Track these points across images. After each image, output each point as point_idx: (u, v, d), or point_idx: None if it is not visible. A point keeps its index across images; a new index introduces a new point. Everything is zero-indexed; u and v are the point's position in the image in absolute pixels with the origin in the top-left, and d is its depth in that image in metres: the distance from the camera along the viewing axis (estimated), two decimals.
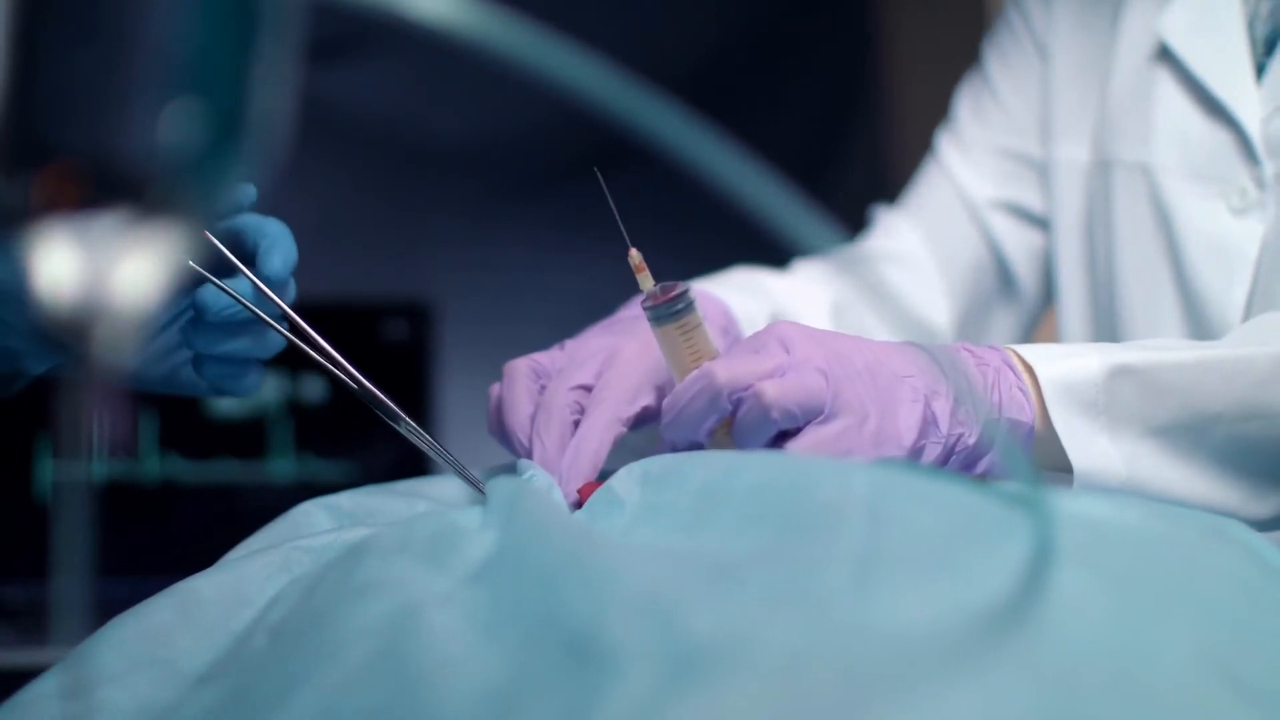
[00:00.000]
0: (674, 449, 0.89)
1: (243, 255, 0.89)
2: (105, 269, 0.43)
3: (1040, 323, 1.35)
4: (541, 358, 0.97)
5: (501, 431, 0.95)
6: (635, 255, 0.88)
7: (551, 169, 2.14)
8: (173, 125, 0.43)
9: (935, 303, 1.28)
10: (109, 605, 0.73)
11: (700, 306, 1.03)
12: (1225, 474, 0.87)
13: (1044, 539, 0.58)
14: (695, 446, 0.89)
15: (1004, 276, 1.28)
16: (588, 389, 0.93)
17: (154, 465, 1.87)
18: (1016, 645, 0.55)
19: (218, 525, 1.82)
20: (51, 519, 0.51)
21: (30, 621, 1.71)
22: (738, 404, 0.84)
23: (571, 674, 0.57)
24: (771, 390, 0.82)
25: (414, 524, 0.84)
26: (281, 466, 1.91)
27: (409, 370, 1.91)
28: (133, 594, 0.78)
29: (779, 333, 0.86)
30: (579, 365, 0.94)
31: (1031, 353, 0.88)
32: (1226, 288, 1.07)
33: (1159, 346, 0.89)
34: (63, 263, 0.43)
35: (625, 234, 0.86)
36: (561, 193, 2.12)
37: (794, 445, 0.82)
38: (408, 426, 0.88)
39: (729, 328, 1.05)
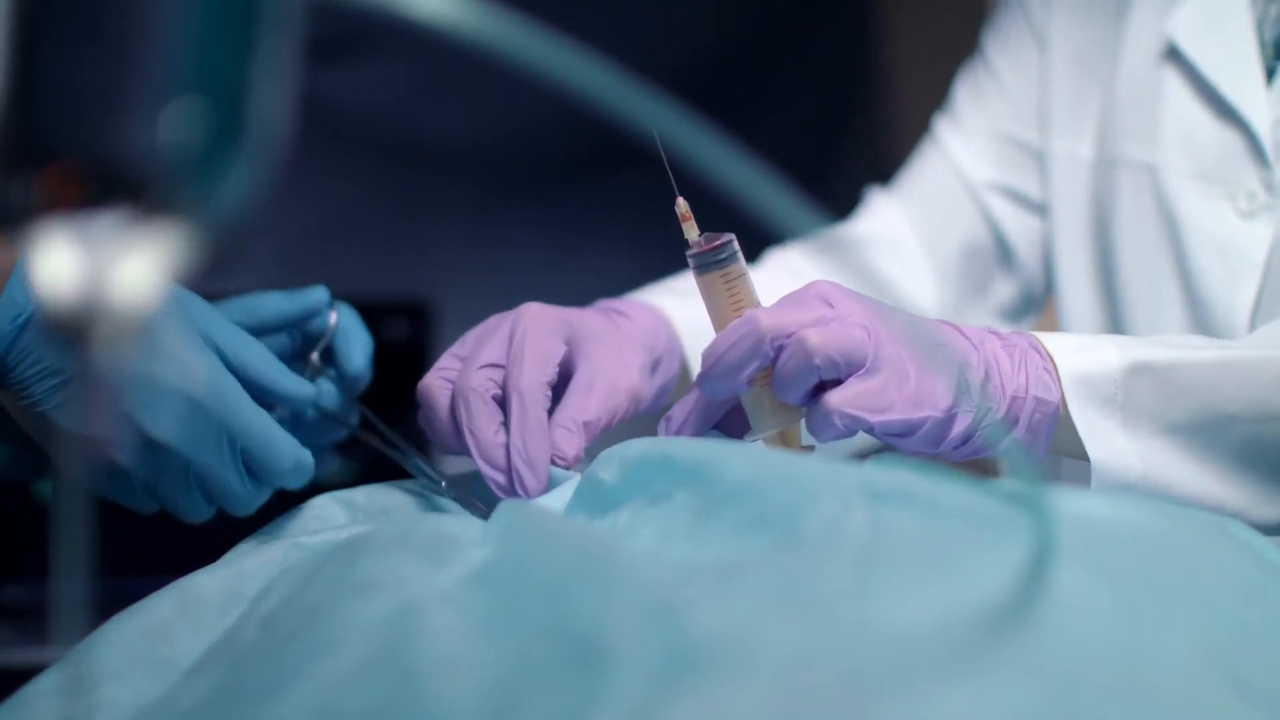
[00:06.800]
0: (710, 400, 0.88)
1: (313, 341, 0.97)
2: (105, 269, 0.43)
3: (1041, 313, 1.35)
4: (446, 362, 0.95)
5: (437, 438, 0.94)
6: (682, 204, 0.88)
7: (551, 169, 2.14)
8: (173, 125, 0.43)
9: (919, 284, 1.28)
10: (109, 605, 0.73)
11: (635, 319, 1.03)
12: (1239, 475, 0.87)
13: (1044, 539, 0.58)
14: (726, 404, 0.88)
15: (1003, 252, 1.28)
16: (499, 366, 0.92)
17: None
18: (1018, 645, 0.55)
19: (218, 525, 1.81)
20: (51, 519, 0.52)
21: (30, 621, 1.71)
22: (779, 351, 0.84)
23: (572, 674, 0.57)
24: (815, 337, 0.82)
25: (413, 522, 0.84)
26: None
27: (409, 370, 1.91)
28: (133, 594, 0.78)
29: (819, 290, 0.86)
30: (481, 345, 0.93)
31: (1052, 342, 0.88)
32: (1232, 290, 1.07)
33: (1178, 344, 0.89)
34: (63, 263, 0.43)
35: (674, 183, 0.86)
36: (562, 193, 2.12)
37: (834, 395, 0.82)
38: (448, 488, 0.91)
39: (655, 344, 1.03)
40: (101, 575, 0.47)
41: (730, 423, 0.89)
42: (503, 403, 0.90)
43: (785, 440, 0.88)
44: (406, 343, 1.88)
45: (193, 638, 0.74)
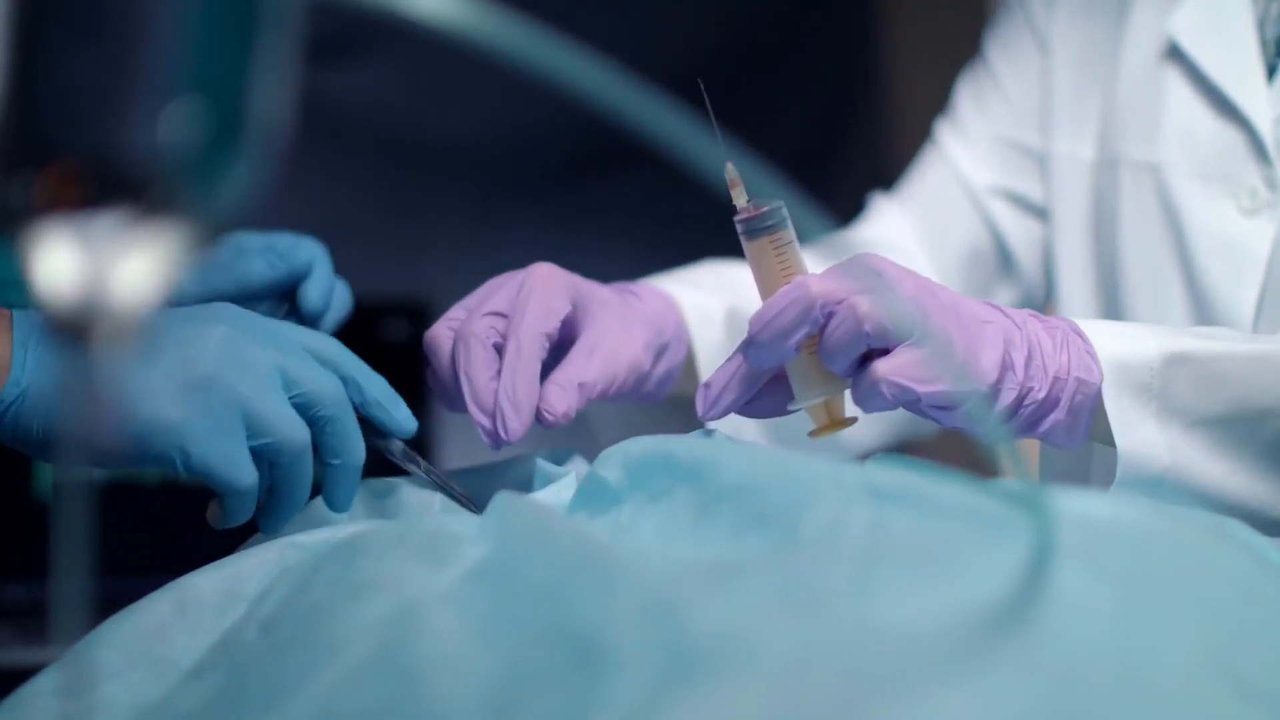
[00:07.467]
0: (754, 368, 0.87)
1: (278, 278, 0.95)
2: (105, 269, 0.43)
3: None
4: (454, 313, 0.96)
5: (439, 388, 0.95)
6: (731, 169, 0.87)
7: (551, 169, 2.14)
8: (173, 125, 0.43)
9: None
10: (109, 605, 0.73)
11: (646, 300, 1.03)
12: (1267, 470, 0.87)
13: (1044, 539, 0.58)
14: (768, 373, 0.88)
15: (1003, 259, 1.28)
16: (503, 315, 0.93)
17: None
18: (1017, 645, 0.55)
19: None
20: (51, 519, 0.52)
21: (30, 621, 1.71)
22: (829, 318, 0.83)
23: (572, 674, 0.57)
24: (866, 304, 0.82)
25: (410, 522, 0.84)
26: None
27: (409, 370, 1.90)
28: (133, 594, 0.78)
29: (868, 261, 0.86)
30: (489, 296, 0.94)
31: (1090, 328, 0.88)
32: (1236, 288, 1.07)
33: (1215, 336, 0.89)
34: (63, 262, 0.43)
35: (721, 146, 0.85)
36: (561, 193, 2.12)
37: (883, 364, 0.82)
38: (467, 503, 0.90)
39: (664, 327, 1.04)
40: (101, 575, 0.47)
41: (770, 394, 0.88)
42: (503, 352, 0.91)
43: (829, 411, 0.87)
44: (406, 343, 1.88)
45: (190, 638, 0.74)
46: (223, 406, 0.79)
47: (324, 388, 0.82)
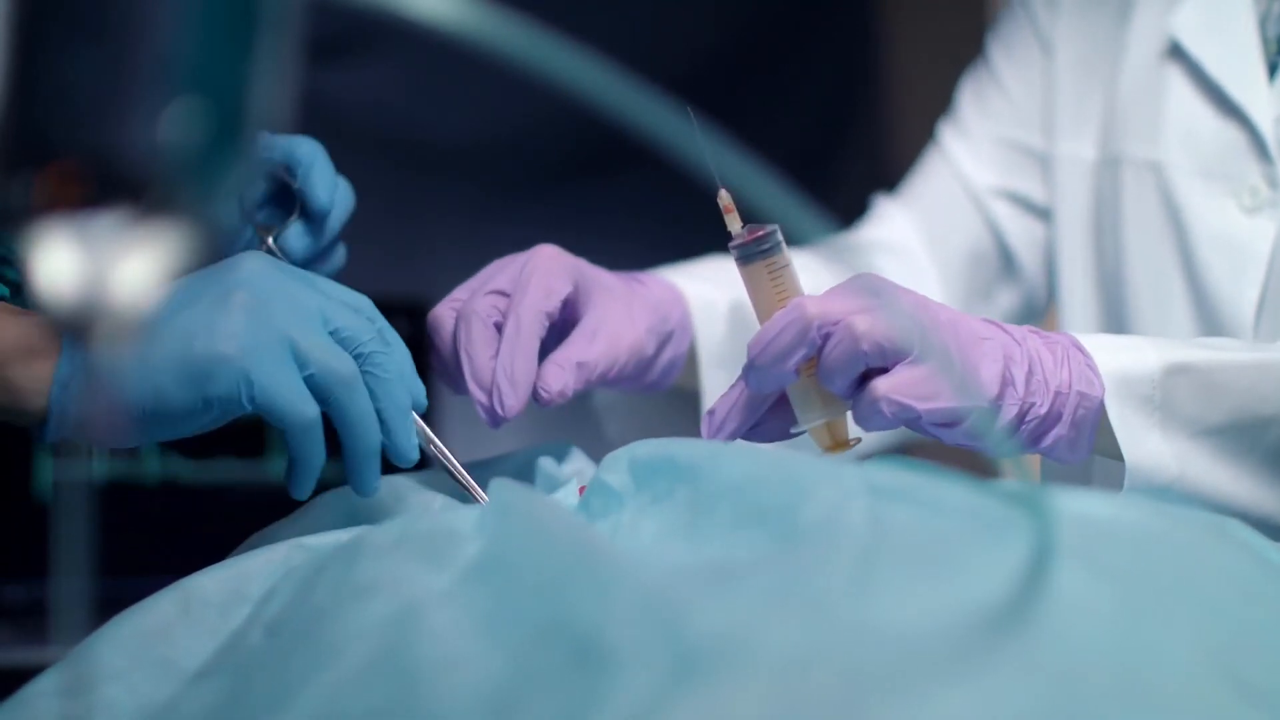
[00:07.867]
0: (755, 393, 0.87)
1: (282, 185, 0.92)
2: (105, 269, 0.43)
3: (1042, 321, 1.34)
4: (457, 293, 0.97)
5: (440, 368, 0.96)
6: (724, 196, 0.88)
7: (551, 169, 2.14)
8: (173, 125, 0.43)
9: (925, 290, 1.28)
10: (109, 605, 0.73)
11: (651, 288, 1.03)
12: (1270, 478, 0.87)
13: (1044, 539, 0.58)
14: (770, 398, 0.88)
15: (1005, 260, 1.29)
16: (504, 294, 0.94)
17: (154, 465, 1.86)
18: (1018, 645, 0.55)
19: (218, 525, 1.81)
20: (51, 519, 0.52)
21: (30, 621, 1.71)
22: (826, 338, 0.83)
23: (573, 674, 0.57)
24: (862, 323, 0.82)
25: (409, 522, 0.84)
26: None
27: None
28: (133, 594, 0.78)
29: (865, 281, 0.86)
30: (492, 276, 0.95)
31: (1090, 342, 0.88)
32: (1238, 287, 1.07)
33: (1215, 345, 0.90)
34: (63, 262, 0.43)
35: (716, 174, 0.85)
36: (561, 193, 2.12)
37: (882, 382, 0.82)
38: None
39: (669, 315, 1.05)
40: (101, 575, 0.47)
41: (773, 419, 0.89)
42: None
43: (832, 432, 0.87)
44: (406, 343, 1.88)
45: (194, 639, 0.74)
46: (272, 338, 0.78)
47: (362, 326, 0.82)
